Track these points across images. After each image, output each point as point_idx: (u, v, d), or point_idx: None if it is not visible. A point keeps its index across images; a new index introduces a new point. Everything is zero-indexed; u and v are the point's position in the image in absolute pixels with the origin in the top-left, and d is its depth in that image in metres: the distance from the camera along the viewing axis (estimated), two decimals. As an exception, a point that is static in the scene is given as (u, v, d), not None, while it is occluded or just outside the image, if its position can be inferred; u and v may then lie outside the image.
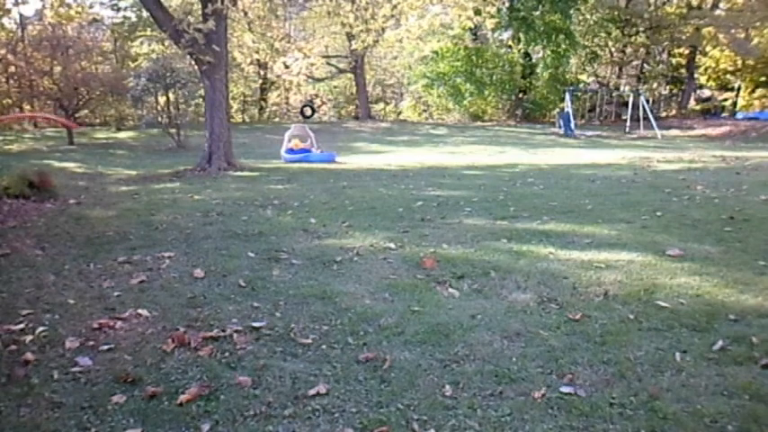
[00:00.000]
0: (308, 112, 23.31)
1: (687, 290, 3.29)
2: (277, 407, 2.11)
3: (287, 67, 15.32)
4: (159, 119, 16.38)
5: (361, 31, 14.28)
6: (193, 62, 10.47)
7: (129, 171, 10.06)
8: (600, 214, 5.50)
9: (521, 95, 26.43)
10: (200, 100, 15.14)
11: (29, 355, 2.46)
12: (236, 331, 2.73)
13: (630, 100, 21.56)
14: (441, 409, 2.09)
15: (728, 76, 25.85)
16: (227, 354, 2.52)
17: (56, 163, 11.34)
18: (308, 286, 3.40)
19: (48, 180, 6.53)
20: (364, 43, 17.33)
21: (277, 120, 27.66)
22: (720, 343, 2.57)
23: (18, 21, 20.20)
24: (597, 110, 25.44)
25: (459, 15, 13.81)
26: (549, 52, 25.12)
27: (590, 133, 19.52)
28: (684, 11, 24.89)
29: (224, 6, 8.97)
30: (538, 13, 24.04)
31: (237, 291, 3.35)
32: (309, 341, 2.65)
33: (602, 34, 27.56)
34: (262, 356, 2.50)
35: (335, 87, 31.97)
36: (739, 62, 24.10)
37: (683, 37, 25.14)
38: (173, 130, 14.72)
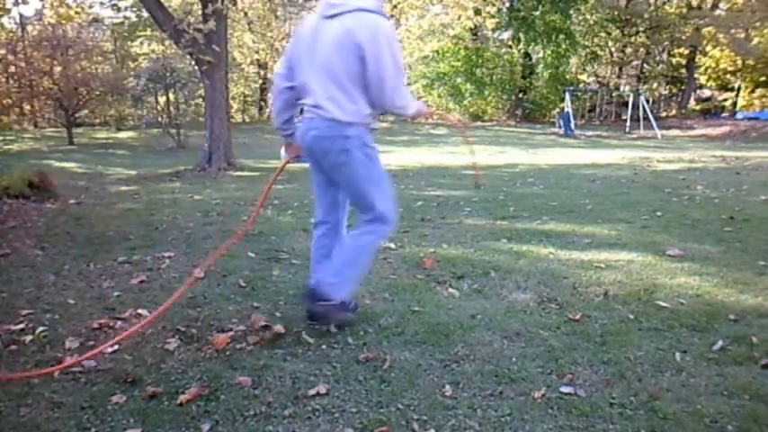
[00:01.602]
0: (308, 112, 23.27)
1: (687, 290, 3.29)
2: (277, 407, 2.11)
3: (287, 67, 15.30)
4: (159, 119, 16.39)
5: (361, 31, 14.23)
6: (193, 62, 10.47)
7: (129, 171, 10.07)
8: (600, 214, 5.50)
9: (521, 95, 26.45)
10: (201, 100, 15.15)
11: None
12: (241, 331, 2.74)
13: (630, 100, 21.59)
14: (441, 409, 2.09)
15: (728, 76, 25.87)
16: (227, 353, 2.52)
17: (56, 163, 11.35)
18: (308, 286, 3.40)
19: (48, 180, 6.53)
20: (364, 43, 17.21)
21: (277, 120, 27.59)
22: (720, 343, 2.57)
23: (18, 21, 20.22)
24: (597, 110, 25.47)
25: (459, 15, 13.83)
26: (549, 52, 25.15)
27: (590, 133, 19.54)
28: (684, 11, 24.92)
29: (224, 6, 8.97)
30: (538, 13, 24.07)
31: (237, 291, 3.35)
32: (309, 341, 2.65)
33: (602, 34, 27.59)
34: (262, 356, 2.50)
35: (335, 87, 31.89)
36: (739, 62, 24.11)
37: (683, 37, 25.16)
38: (173, 130, 14.72)
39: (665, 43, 27.62)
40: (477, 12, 15.00)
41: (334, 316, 2.68)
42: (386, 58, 2.38)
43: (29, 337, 2.66)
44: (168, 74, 14.28)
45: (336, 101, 2.44)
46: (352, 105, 2.45)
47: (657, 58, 29.68)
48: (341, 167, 2.54)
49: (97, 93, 16.89)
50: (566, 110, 20.55)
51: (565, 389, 2.20)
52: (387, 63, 2.39)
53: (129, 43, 21.56)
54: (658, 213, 5.49)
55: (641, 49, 28.41)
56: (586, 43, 26.77)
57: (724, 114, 25.02)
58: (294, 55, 2.59)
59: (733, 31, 21.60)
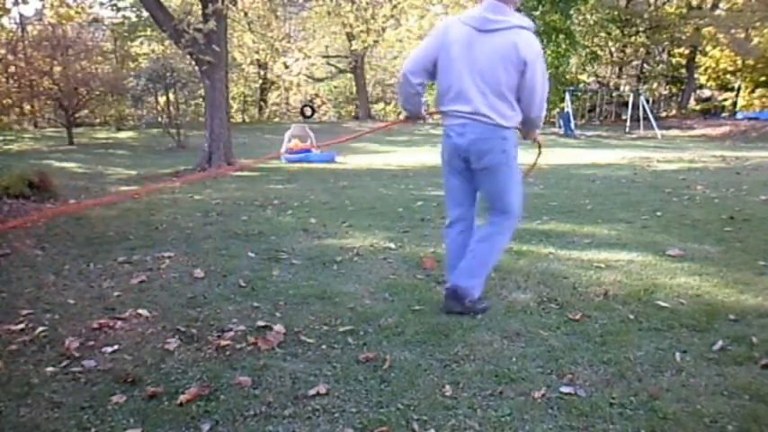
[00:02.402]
0: (308, 112, 23.28)
1: (687, 290, 3.29)
2: (277, 407, 2.11)
3: (287, 67, 15.31)
4: (159, 119, 16.39)
5: (362, 31, 14.28)
6: (193, 62, 10.47)
7: (129, 171, 10.07)
8: (600, 214, 5.50)
9: (521, 95, 26.38)
10: (201, 100, 15.14)
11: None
12: (242, 331, 2.73)
13: (630, 100, 21.60)
14: (441, 409, 2.09)
15: (728, 76, 25.83)
16: (227, 353, 2.52)
17: (56, 163, 11.35)
18: (307, 286, 3.40)
19: (48, 180, 6.53)
20: (364, 43, 17.32)
21: (277, 120, 27.67)
22: (720, 343, 2.57)
23: (18, 21, 20.21)
24: (597, 110, 25.46)
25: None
26: (549, 52, 25.09)
27: (590, 133, 19.55)
28: (684, 11, 24.91)
29: (224, 6, 8.98)
30: (538, 13, 24.02)
31: (237, 291, 3.35)
32: (310, 341, 2.65)
33: (602, 34, 27.56)
34: (262, 356, 2.50)
35: (335, 87, 31.98)
36: (739, 62, 24.08)
37: (683, 37, 25.15)
38: (173, 130, 14.72)
39: (665, 43, 27.61)
40: (477, 12, 15.01)
41: (478, 309, 2.94)
42: (539, 74, 2.71)
43: (29, 337, 2.66)
44: (168, 74, 14.28)
45: (497, 109, 2.73)
46: (511, 112, 2.77)
47: (657, 58, 29.67)
48: (497, 167, 2.85)
49: (97, 93, 16.89)
50: (566, 110, 20.55)
51: (565, 389, 2.20)
52: (539, 78, 2.71)
53: (129, 43, 21.57)
54: (658, 213, 5.49)
55: (641, 49, 28.40)
56: (586, 43, 26.73)
57: (724, 114, 25.00)
58: (440, 60, 2.79)
59: (733, 31, 21.59)
